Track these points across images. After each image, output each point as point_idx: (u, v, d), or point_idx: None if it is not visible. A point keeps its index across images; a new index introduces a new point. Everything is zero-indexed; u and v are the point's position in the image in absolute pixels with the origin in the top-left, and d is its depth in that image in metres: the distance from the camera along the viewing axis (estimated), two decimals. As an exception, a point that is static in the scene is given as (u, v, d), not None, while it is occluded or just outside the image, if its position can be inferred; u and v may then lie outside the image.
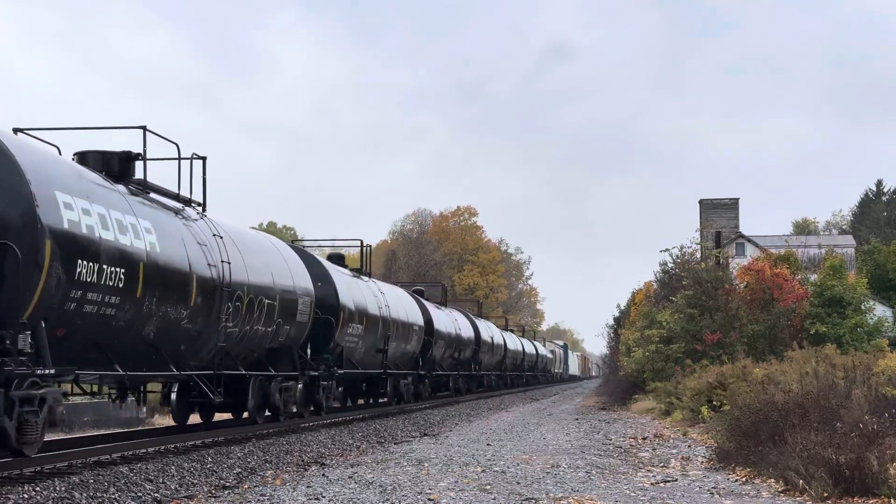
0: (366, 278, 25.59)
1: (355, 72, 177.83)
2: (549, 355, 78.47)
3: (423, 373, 30.35)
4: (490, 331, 43.89)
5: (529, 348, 61.46)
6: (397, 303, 27.36)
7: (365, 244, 26.73)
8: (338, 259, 24.58)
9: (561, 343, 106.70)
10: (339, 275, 22.07)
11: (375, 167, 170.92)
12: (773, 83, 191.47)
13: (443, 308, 36.80)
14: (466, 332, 38.49)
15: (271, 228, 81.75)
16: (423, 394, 31.05)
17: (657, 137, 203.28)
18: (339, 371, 21.02)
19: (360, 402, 28.62)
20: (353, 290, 22.84)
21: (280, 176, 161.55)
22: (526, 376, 61.07)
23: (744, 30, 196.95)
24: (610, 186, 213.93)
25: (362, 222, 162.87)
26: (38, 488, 9.06)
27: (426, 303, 32.82)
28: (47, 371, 10.14)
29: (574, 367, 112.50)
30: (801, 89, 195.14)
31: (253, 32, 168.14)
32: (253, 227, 20.90)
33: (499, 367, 47.61)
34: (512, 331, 60.47)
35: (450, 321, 35.58)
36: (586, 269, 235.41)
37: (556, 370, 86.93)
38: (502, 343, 47.14)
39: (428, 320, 30.92)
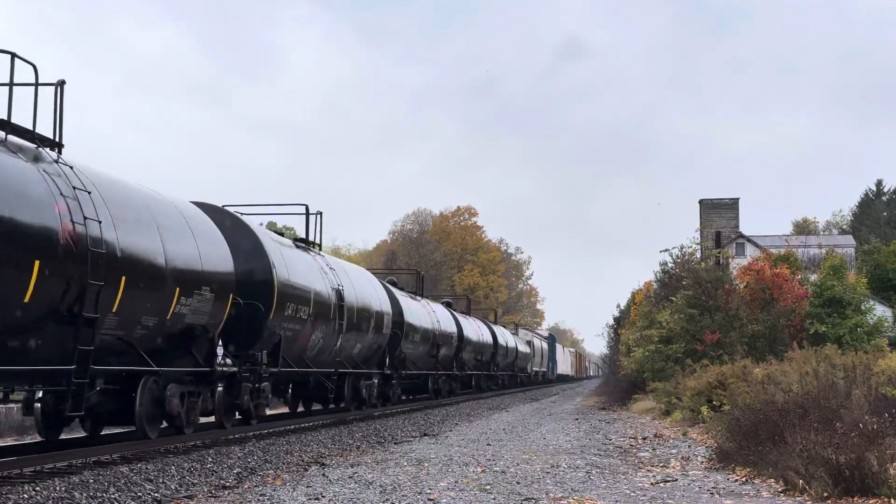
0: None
1: (364, 69, 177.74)
2: (524, 349, 58.12)
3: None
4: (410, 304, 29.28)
5: (479, 334, 40.73)
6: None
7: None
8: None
9: (545, 334, 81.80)
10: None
11: (381, 166, 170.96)
12: (777, 82, 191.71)
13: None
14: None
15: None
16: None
17: (665, 137, 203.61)
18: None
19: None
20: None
21: (285, 174, 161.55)
22: (475, 377, 41.08)
23: (754, 27, 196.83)
24: (614, 186, 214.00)
25: (364, 222, 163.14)
26: (38, 488, 9.06)
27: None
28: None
29: (564, 366, 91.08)
30: (803, 89, 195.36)
31: (262, 29, 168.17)
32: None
33: (422, 363, 30.19)
34: (449, 303, 40.00)
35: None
36: (587, 269, 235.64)
37: (536, 368, 65.37)
38: (422, 320, 29.95)
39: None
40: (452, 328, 34.70)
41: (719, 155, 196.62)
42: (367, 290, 23.19)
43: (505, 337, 48.84)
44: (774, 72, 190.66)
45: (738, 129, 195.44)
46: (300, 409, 23.49)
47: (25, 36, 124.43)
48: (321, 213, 20.63)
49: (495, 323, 52.71)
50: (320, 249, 21.11)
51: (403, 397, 31.83)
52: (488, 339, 42.91)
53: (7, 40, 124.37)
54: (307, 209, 20.50)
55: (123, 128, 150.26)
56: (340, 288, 20.23)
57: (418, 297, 32.28)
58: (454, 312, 37.57)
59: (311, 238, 20.75)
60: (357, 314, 21.36)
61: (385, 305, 24.61)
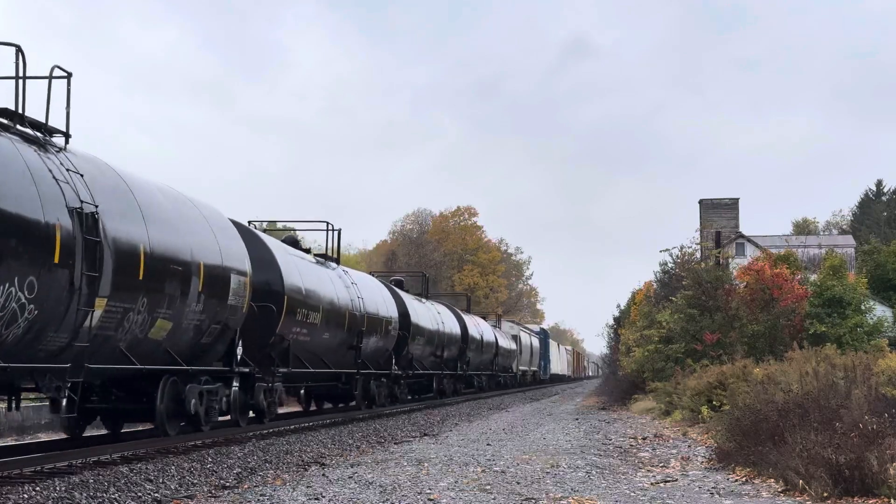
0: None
1: (369, 69, 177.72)
2: (507, 344, 48.71)
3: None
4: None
5: (437, 322, 31.72)
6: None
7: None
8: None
9: (536, 329, 70.41)
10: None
11: (384, 166, 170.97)
12: (780, 82, 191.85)
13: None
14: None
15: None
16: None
17: (668, 137, 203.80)
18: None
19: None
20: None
21: (287, 174, 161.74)
22: (436, 377, 32.16)
23: (759, 28, 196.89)
24: (617, 186, 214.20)
25: (365, 222, 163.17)
26: (38, 488, 9.06)
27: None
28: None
29: (560, 365, 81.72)
30: (804, 89, 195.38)
31: (266, 27, 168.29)
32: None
33: (333, 357, 21.35)
34: (400, 282, 31.64)
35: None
36: (587, 269, 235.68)
37: (524, 367, 57.32)
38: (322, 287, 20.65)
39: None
40: (392, 311, 25.91)
41: (721, 155, 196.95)
42: (187, 227, 13.80)
43: (479, 328, 40.03)
44: (777, 72, 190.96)
45: (741, 130, 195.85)
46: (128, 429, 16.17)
47: (28, 33, 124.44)
48: (70, 76, 11.82)
49: (468, 311, 43.54)
50: (66, 142, 11.88)
51: (312, 408, 24.17)
52: (454, 329, 34.02)
53: (9, 38, 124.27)
54: (18, 55, 11.41)
55: (126, 127, 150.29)
56: (92, 210, 11.03)
57: (331, 264, 22.58)
58: (400, 291, 28.61)
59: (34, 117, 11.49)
60: (151, 266, 12.18)
61: (237, 260, 15.22)
